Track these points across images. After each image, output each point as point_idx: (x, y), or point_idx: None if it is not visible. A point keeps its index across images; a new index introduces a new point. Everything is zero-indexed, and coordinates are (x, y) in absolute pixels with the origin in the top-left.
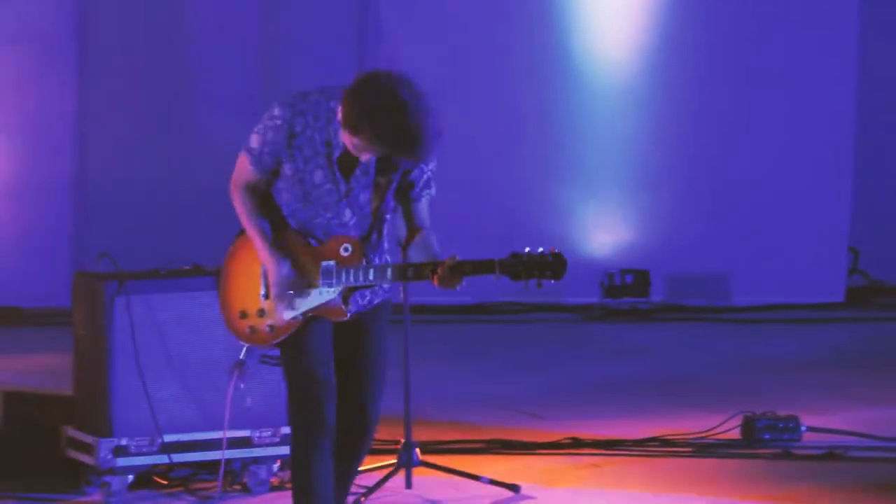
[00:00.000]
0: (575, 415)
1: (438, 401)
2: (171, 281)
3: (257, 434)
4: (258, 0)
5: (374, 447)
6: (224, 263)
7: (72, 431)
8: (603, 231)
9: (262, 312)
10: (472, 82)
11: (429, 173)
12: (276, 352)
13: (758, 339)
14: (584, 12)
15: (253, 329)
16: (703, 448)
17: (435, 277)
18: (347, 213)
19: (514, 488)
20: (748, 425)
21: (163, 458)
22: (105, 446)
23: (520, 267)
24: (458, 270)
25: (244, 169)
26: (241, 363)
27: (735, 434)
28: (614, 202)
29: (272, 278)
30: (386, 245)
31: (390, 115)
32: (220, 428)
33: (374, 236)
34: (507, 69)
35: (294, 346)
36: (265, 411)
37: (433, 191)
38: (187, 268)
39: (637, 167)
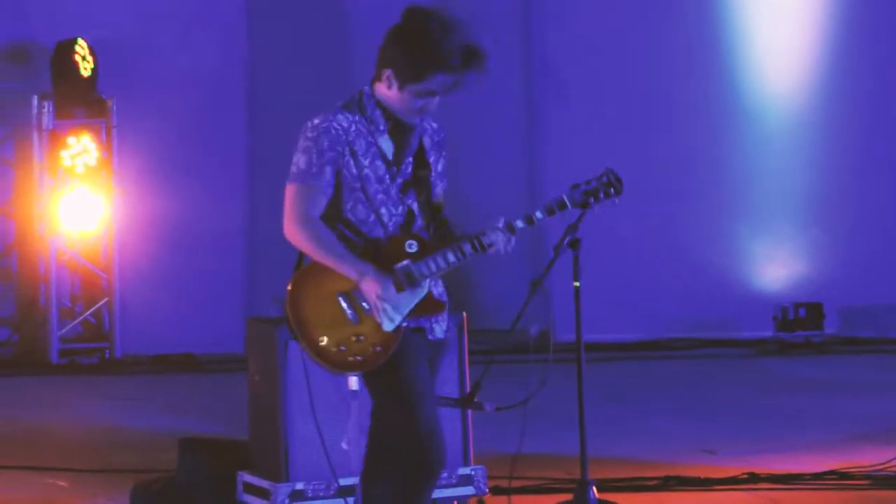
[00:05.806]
0: (751, 449)
1: (613, 438)
2: None
3: None
4: None
5: (550, 486)
6: (293, 310)
7: (247, 476)
8: (775, 265)
9: (360, 336)
10: (644, 120)
11: (445, 164)
12: (452, 393)
13: None
14: (752, 49)
15: (362, 355)
16: (880, 480)
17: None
18: (400, 204)
19: None
20: None
21: (339, 503)
22: (282, 491)
23: (587, 196)
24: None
25: (300, 196)
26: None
27: None
28: (786, 236)
29: (369, 289)
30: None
31: (444, 32)
32: None
33: (430, 227)
34: (676, 107)
35: (392, 371)
36: None
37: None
38: None
39: (808, 200)
